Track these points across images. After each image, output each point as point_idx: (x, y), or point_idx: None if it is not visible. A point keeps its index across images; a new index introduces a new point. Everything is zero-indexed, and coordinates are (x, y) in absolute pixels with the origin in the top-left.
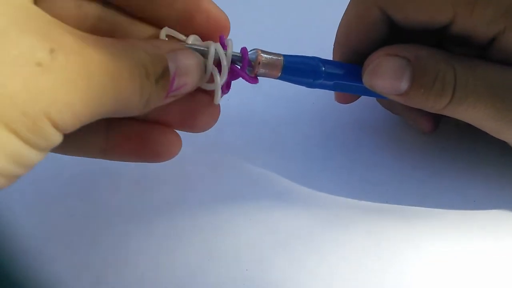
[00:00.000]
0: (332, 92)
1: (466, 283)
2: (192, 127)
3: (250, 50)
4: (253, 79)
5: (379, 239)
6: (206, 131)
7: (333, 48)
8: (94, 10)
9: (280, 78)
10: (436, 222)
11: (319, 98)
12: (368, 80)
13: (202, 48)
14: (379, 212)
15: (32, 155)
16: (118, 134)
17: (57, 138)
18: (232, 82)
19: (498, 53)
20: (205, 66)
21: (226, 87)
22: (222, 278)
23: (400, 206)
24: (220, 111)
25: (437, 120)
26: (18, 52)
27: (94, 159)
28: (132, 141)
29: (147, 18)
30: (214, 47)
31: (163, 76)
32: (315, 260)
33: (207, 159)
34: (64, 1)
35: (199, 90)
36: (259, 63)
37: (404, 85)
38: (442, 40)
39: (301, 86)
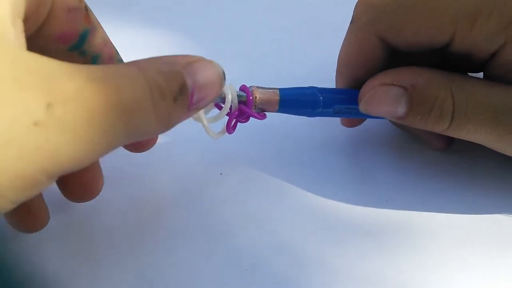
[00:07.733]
0: None
1: (466, 283)
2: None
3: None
4: (262, 116)
5: (379, 240)
6: None
7: (335, 77)
8: None
9: (278, 111)
10: (436, 223)
11: None
12: (364, 108)
13: None
14: (379, 213)
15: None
16: None
17: (47, 185)
18: None
19: (499, 68)
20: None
21: (233, 128)
22: (222, 279)
23: (399, 206)
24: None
25: (450, 139)
26: (13, 115)
27: None
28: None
29: None
30: (229, 89)
31: (181, 92)
32: (315, 260)
33: (208, 161)
34: None
35: None
36: (255, 101)
37: (401, 111)
38: (441, 59)
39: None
